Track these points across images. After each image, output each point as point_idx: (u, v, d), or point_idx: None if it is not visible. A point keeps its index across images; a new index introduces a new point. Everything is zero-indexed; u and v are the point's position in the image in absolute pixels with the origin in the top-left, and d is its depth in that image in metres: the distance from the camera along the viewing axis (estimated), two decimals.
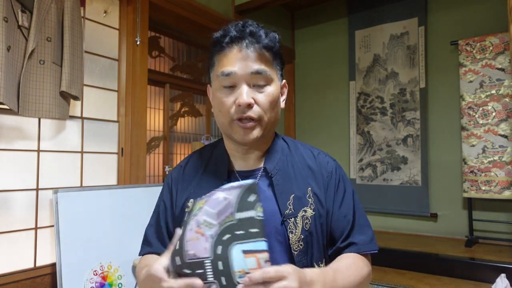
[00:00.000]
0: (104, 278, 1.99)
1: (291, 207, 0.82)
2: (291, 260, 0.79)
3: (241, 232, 0.59)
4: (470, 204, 3.13)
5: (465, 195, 3.13)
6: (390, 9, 3.73)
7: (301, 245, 0.80)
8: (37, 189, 1.93)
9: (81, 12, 2.07)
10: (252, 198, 0.60)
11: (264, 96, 0.80)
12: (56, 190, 1.89)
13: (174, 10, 2.74)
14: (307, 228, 0.81)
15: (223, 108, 0.80)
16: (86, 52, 2.17)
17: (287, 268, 0.60)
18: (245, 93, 0.77)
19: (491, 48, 3.06)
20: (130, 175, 2.34)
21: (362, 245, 0.84)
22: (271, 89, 0.81)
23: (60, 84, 1.86)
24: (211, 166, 0.90)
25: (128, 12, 2.41)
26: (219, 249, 0.58)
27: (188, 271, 0.59)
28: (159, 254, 0.90)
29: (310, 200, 0.84)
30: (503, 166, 2.96)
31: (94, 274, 1.96)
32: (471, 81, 3.13)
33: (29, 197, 1.90)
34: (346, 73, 4.04)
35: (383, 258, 2.85)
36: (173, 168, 0.99)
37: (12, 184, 1.84)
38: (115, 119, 2.36)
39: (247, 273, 0.57)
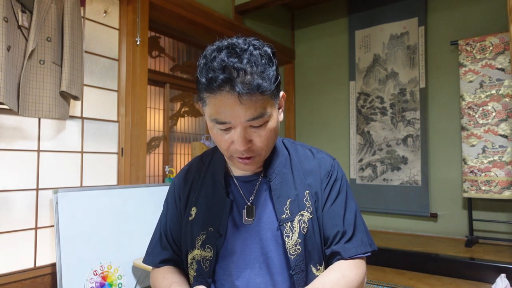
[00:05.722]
0: (104, 278, 1.99)
1: (288, 211, 0.82)
2: (288, 264, 0.80)
3: None
4: (470, 204, 3.13)
5: (465, 195, 3.13)
6: (390, 9, 3.73)
7: (298, 249, 0.79)
8: (37, 189, 1.93)
9: (81, 12, 2.07)
10: None
11: (262, 134, 0.74)
12: (56, 190, 1.89)
13: (174, 10, 2.74)
14: (304, 232, 0.81)
15: (220, 145, 0.77)
16: (86, 52, 2.17)
17: None
18: (241, 140, 0.72)
19: (491, 48, 3.06)
20: (130, 175, 2.34)
21: (352, 248, 0.81)
22: (270, 124, 0.74)
23: (60, 84, 1.86)
24: (210, 173, 0.90)
25: (128, 12, 2.41)
26: None
27: None
28: (167, 260, 0.92)
29: (307, 203, 0.83)
30: (503, 166, 2.96)
31: (94, 274, 1.95)
32: (471, 81, 3.13)
33: (29, 197, 1.90)
34: (346, 73, 4.04)
35: (383, 258, 2.85)
36: (176, 175, 0.98)
37: (12, 184, 1.84)
38: (115, 119, 2.36)
39: None
